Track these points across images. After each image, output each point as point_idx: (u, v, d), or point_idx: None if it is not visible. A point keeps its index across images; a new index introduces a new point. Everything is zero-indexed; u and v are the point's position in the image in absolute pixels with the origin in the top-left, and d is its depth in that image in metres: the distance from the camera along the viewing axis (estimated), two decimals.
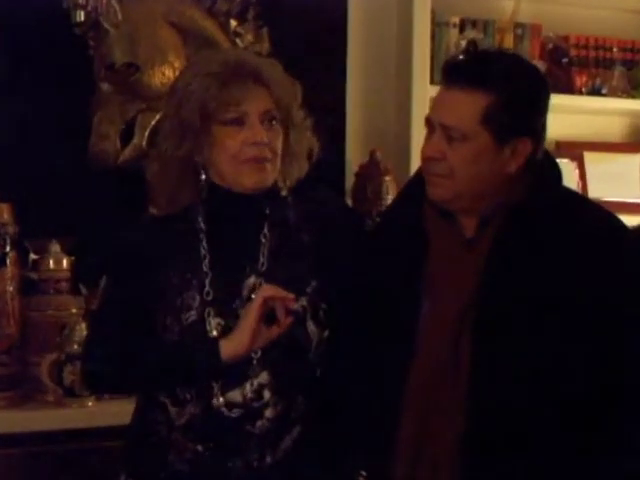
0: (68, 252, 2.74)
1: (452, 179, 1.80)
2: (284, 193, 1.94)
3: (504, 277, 1.79)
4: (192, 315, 1.87)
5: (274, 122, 1.89)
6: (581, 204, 1.91)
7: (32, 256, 2.74)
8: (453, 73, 1.82)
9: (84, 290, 2.76)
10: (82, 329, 2.58)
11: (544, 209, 1.82)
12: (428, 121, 1.83)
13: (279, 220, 1.93)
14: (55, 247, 2.72)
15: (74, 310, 2.69)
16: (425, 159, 1.84)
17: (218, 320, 1.87)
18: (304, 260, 1.91)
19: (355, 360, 1.89)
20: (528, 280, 1.78)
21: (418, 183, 1.90)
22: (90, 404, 2.59)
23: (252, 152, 1.87)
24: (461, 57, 1.92)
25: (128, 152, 2.89)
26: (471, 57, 1.98)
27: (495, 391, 1.77)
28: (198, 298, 1.88)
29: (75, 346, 2.56)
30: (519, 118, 1.79)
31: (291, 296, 1.81)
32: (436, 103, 1.85)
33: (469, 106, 1.77)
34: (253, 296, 1.85)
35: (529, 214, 1.81)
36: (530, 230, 1.81)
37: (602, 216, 1.87)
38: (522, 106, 1.80)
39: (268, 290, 1.82)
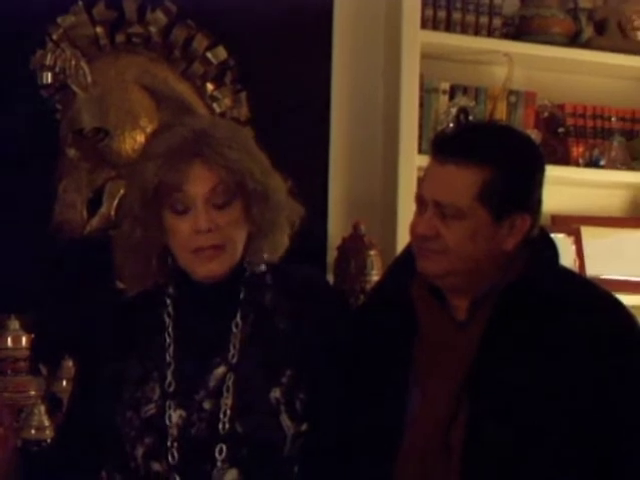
0: (27, 329, 2.72)
1: (446, 255, 1.79)
2: (258, 270, 1.92)
3: (498, 363, 1.78)
4: (151, 409, 1.86)
5: (224, 202, 1.83)
6: (580, 285, 1.91)
7: None
8: (445, 147, 1.82)
9: (44, 370, 2.74)
10: (41, 412, 2.55)
11: (540, 290, 1.81)
12: (419, 197, 1.83)
13: (254, 304, 1.91)
14: (14, 324, 2.70)
15: (33, 392, 2.65)
16: (417, 237, 1.83)
17: (180, 412, 1.85)
18: (279, 347, 1.88)
19: (336, 455, 1.85)
20: (523, 367, 1.77)
21: (407, 259, 1.89)
22: None
23: (197, 242, 1.83)
24: (452, 130, 1.93)
25: (95, 222, 2.89)
26: (463, 130, 2.00)
27: None
28: (158, 391, 1.87)
29: (33, 431, 2.52)
30: (516, 193, 1.80)
31: None
32: (428, 179, 1.84)
33: (464, 182, 1.77)
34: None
35: (524, 295, 1.80)
36: (525, 313, 1.79)
37: (602, 300, 1.85)
38: (519, 180, 1.80)
39: None
